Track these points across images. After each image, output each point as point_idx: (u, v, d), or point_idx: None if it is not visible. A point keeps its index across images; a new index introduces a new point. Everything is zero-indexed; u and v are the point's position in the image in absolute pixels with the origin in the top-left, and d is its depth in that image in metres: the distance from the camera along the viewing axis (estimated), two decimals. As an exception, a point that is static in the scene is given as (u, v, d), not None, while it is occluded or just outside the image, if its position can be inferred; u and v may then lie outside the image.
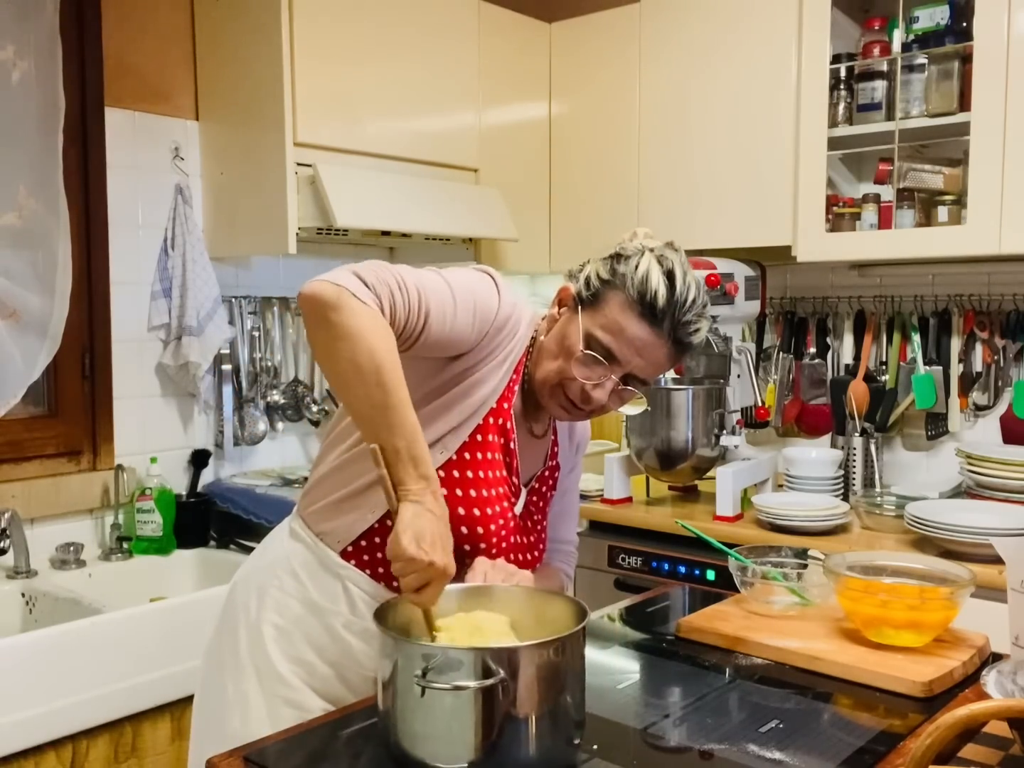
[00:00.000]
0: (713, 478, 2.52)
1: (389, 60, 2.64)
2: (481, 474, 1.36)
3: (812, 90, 2.55)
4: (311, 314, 1.19)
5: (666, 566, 2.46)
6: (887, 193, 2.57)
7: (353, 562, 1.38)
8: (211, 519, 2.64)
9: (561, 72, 3.12)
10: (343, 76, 2.53)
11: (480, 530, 1.35)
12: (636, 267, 1.33)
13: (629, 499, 2.69)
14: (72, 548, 2.39)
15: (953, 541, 2.10)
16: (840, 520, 2.34)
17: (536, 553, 1.49)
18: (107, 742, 1.99)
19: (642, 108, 2.93)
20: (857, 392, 2.77)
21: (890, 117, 2.51)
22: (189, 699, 1.56)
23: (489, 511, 1.36)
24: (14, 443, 2.38)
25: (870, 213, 2.59)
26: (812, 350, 2.95)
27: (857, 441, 2.68)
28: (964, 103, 2.37)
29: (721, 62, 2.75)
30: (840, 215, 2.63)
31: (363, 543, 1.37)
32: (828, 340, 2.94)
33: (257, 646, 1.39)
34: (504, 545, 1.39)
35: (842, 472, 2.61)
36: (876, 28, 2.55)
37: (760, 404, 2.66)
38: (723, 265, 2.52)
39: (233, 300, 2.72)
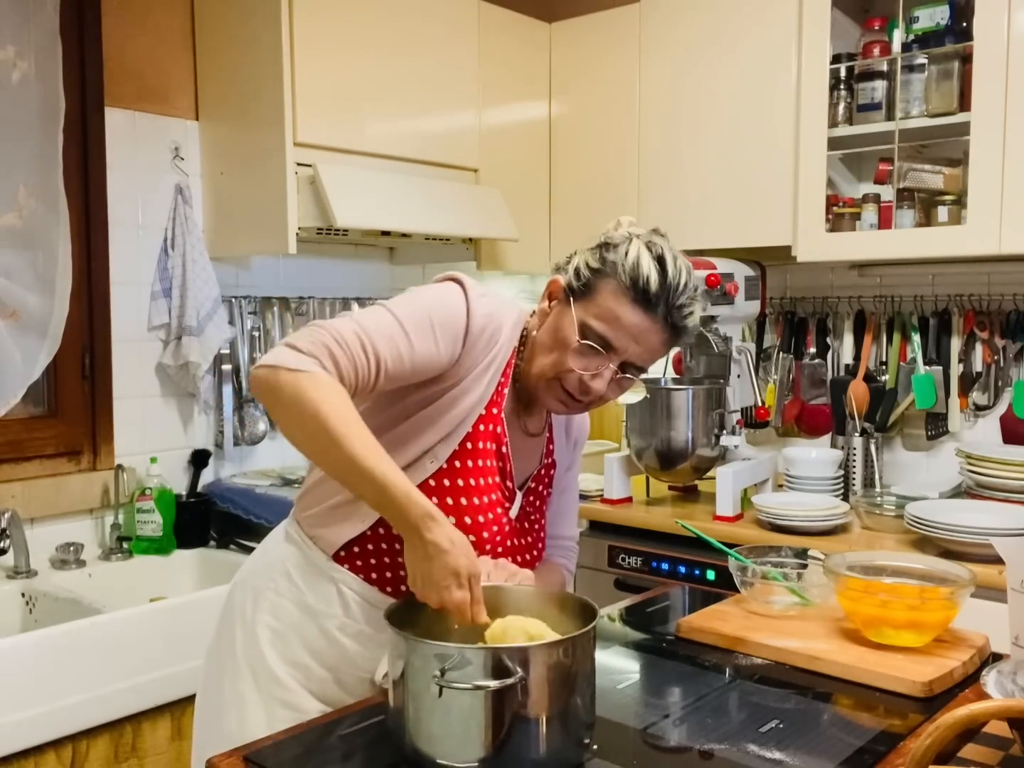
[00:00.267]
0: (713, 478, 2.52)
1: (389, 60, 2.64)
2: (473, 482, 1.36)
3: (812, 90, 2.55)
4: (262, 401, 1.28)
5: (666, 566, 2.46)
6: (887, 193, 2.57)
7: (346, 566, 1.38)
8: (211, 519, 2.64)
9: (561, 72, 3.12)
10: (343, 76, 2.53)
11: (473, 538, 1.34)
12: (626, 254, 1.32)
13: (629, 499, 2.69)
14: (72, 548, 2.39)
15: (953, 541, 2.10)
16: (840, 520, 2.34)
17: (535, 553, 1.49)
18: (107, 742, 1.99)
19: (642, 108, 2.93)
20: (857, 392, 2.77)
21: (890, 117, 2.51)
22: (189, 699, 1.57)
23: (482, 518, 1.36)
24: (14, 443, 2.38)
25: (870, 213, 2.58)
26: (812, 350, 2.95)
27: (857, 441, 2.68)
28: (964, 103, 2.37)
29: (721, 62, 2.75)
30: (840, 215, 2.62)
31: (356, 548, 1.38)
32: (828, 340, 2.94)
33: (253, 648, 1.39)
34: (500, 550, 1.39)
35: (842, 472, 2.61)
36: (876, 28, 2.55)
37: (760, 404, 2.66)
38: (723, 265, 2.52)
39: (233, 300, 2.72)
